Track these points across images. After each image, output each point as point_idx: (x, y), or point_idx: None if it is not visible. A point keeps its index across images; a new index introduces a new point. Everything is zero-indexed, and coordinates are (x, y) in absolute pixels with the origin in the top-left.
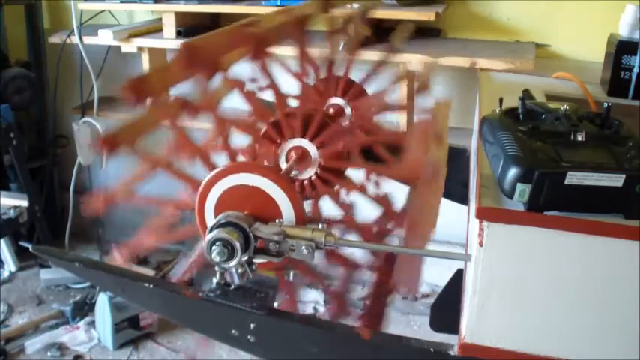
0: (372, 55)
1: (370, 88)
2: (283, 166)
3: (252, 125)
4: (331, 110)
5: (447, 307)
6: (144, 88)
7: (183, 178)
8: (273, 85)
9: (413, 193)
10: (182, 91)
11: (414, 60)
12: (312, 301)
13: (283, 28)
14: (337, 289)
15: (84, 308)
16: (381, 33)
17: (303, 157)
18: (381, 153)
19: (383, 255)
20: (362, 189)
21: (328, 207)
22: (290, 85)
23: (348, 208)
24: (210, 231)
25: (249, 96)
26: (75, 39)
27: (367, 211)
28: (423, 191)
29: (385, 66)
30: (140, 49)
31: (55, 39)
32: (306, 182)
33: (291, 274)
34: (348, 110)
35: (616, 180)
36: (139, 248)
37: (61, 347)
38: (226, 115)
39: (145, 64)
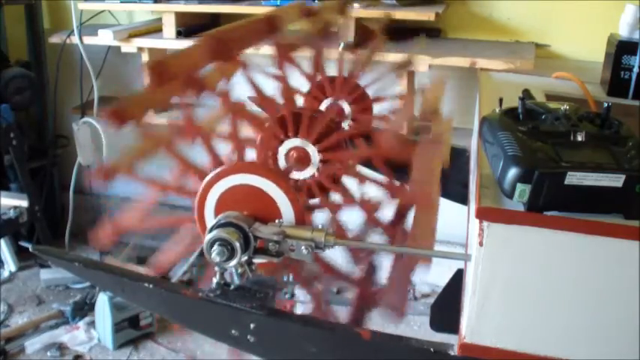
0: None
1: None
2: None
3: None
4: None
5: (447, 307)
6: (126, 113)
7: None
8: (283, 80)
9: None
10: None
11: (415, 60)
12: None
13: (311, 36)
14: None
15: (84, 308)
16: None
17: (302, 158)
18: (380, 167)
19: (365, 268)
20: (359, 201)
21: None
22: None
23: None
24: (210, 231)
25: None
26: (75, 39)
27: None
28: (423, 210)
29: (379, 63)
30: (140, 49)
31: (55, 39)
32: (300, 183)
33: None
34: (348, 111)
35: (616, 180)
36: (168, 265)
37: (61, 347)
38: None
39: (145, 65)
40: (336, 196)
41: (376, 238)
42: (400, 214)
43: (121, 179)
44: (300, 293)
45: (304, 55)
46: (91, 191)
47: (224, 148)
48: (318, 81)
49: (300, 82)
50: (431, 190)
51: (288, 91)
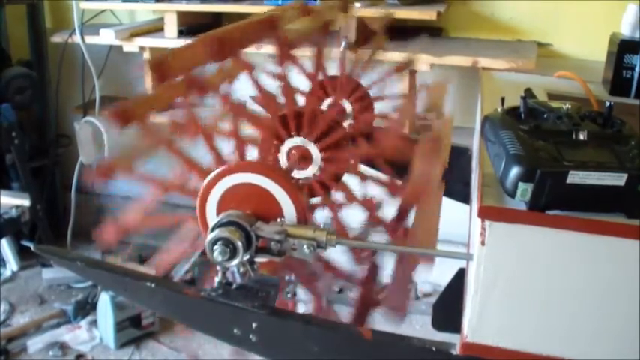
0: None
1: (369, 86)
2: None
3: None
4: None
5: (448, 307)
6: (130, 113)
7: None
8: (284, 79)
9: (416, 212)
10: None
11: (416, 60)
12: None
13: (312, 33)
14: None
15: (86, 307)
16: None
17: (304, 157)
18: (381, 166)
19: (367, 267)
20: (363, 201)
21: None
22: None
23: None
24: (212, 230)
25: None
26: (77, 38)
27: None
28: (424, 210)
29: (378, 63)
30: (142, 48)
31: (56, 38)
32: (301, 182)
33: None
34: (349, 110)
35: (618, 179)
36: (169, 264)
37: (63, 346)
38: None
39: (147, 63)
40: (337, 195)
41: (378, 237)
42: (402, 213)
43: (121, 178)
44: (302, 292)
45: (305, 55)
46: (92, 190)
47: (226, 148)
48: (319, 80)
49: (301, 81)
50: (430, 188)
51: (290, 90)
